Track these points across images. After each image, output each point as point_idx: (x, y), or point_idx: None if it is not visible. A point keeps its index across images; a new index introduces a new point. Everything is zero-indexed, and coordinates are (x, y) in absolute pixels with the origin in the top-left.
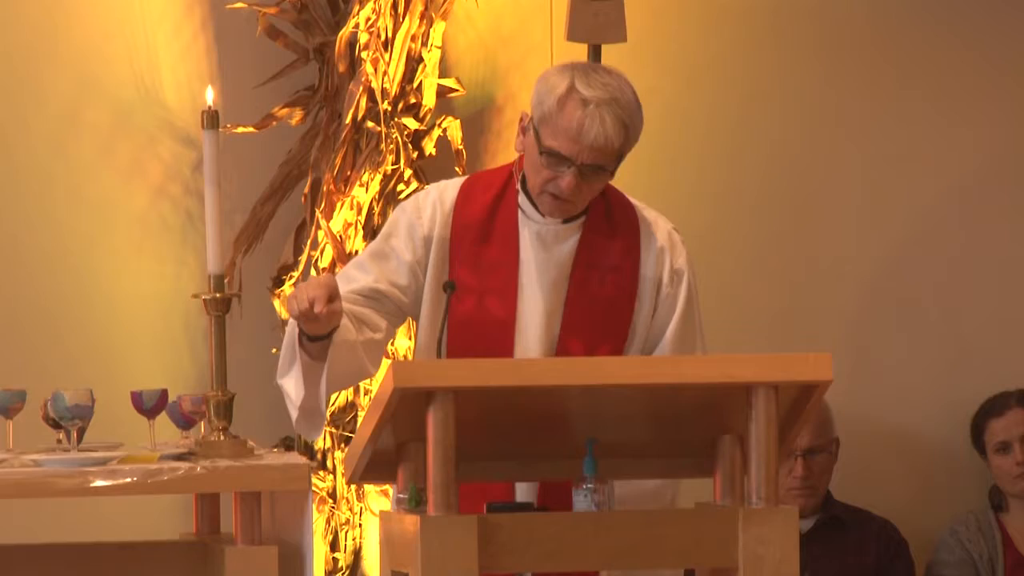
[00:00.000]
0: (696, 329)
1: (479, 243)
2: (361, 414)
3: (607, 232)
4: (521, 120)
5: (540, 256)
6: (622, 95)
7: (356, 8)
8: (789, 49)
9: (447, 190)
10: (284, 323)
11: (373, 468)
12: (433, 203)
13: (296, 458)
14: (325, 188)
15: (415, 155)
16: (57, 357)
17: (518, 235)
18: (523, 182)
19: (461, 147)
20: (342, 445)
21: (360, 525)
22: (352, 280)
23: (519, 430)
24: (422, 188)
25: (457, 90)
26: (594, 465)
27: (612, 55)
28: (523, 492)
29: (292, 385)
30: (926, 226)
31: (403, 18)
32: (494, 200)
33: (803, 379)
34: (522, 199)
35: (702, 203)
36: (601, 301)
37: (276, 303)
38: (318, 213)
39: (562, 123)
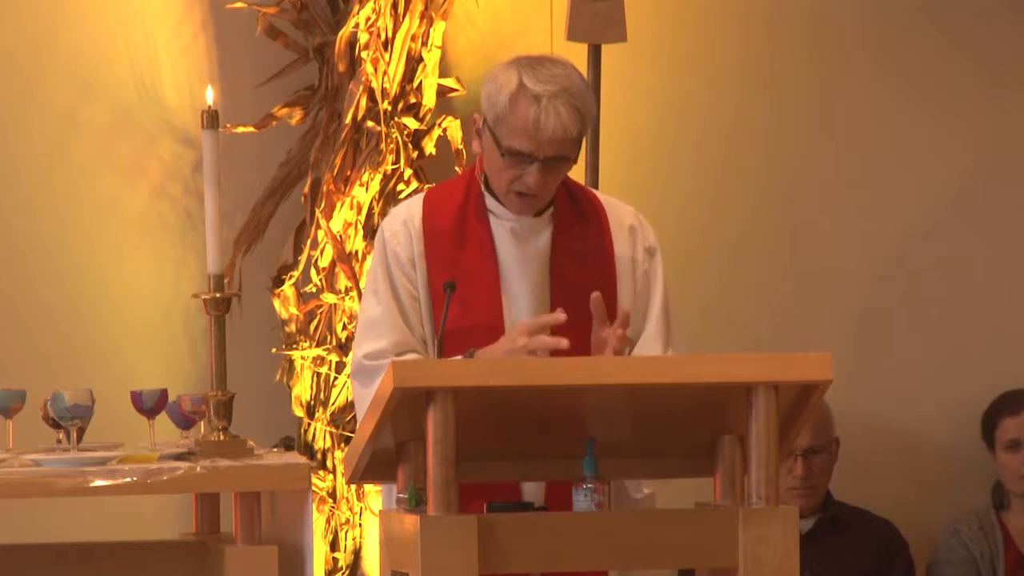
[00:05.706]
0: (671, 304)
1: (454, 249)
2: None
3: (577, 219)
4: (474, 123)
5: (517, 253)
6: (571, 83)
7: (356, 8)
8: (788, 49)
9: (411, 206)
10: (284, 323)
11: (373, 468)
12: (403, 223)
13: (296, 458)
14: (325, 188)
15: (415, 155)
16: (57, 357)
17: (492, 236)
18: (486, 183)
19: (461, 147)
20: (342, 445)
21: (360, 525)
22: (397, 333)
23: (519, 430)
24: (422, 188)
25: (457, 90)
26: (594, 465)
27: (612, 55)
28: (529, 492)
29: None
30: (927, 225)
31: (403, 18)
32: (461, 206)
33: (803, 379)
34: (489, 200)
35: (700, 202)
36: (584, 288)
37: (276, 303)
38: (318, 213)
39: (517, 122)
